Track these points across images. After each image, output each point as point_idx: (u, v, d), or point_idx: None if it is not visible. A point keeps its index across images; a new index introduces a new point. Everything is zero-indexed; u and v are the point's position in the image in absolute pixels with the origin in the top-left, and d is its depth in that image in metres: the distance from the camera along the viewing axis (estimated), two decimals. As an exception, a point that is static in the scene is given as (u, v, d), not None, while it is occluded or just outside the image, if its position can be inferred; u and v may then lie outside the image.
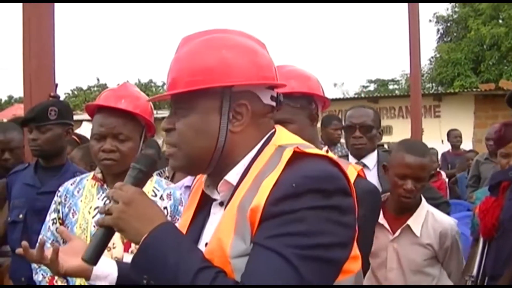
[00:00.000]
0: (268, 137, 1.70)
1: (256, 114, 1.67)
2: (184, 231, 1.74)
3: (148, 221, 1.58)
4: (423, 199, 3.37)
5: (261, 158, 1.64)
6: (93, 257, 1.70)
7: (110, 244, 2.74)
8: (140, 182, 1.73)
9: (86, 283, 2.77)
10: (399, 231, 3.27)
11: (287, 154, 1.55)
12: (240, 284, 1.45)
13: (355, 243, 1.64)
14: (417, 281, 3.25)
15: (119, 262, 2.03)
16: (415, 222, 3.27)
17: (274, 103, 1.73)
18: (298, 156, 1.56)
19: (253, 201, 1.51)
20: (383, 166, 3.49)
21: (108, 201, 1.66)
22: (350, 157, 4.09)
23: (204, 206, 1.79)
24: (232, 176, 1.66)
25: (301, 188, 1.49)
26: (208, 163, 1.67)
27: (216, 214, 1.70)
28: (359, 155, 4.06)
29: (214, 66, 1.63)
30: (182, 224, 1.82)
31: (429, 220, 3.30)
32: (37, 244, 1.96)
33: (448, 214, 4.44)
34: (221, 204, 1.72)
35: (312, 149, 1.61)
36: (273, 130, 1.74)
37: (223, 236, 1.53)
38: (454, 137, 10.66)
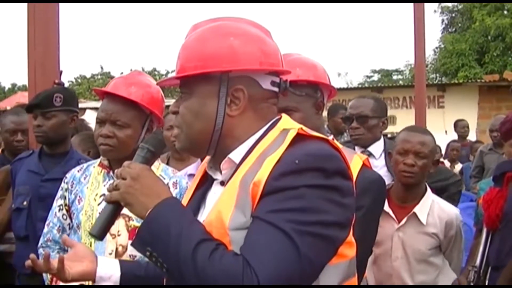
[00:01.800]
0: (273, 122, 1.75)
1: (254, 99, 1.73)
2: None
3: (154, 196, 1.63)
4: (428, 189, 3.38)
5: (265, 140, 1.69)
6: (101, 232, 1.76)
7: (115, 232, 2.78)
8: (148, 161, 1.79)
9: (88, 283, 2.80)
10: (405, 219, 3.27)
11: (291, 134, 1.63)
12: (239, 256, 1.49)
13: (351, 230, 1.69)
14: (422, 270, 3.26)
15: (121, 261, 2.10)
16: (421, 210, 3.27)
17: (276, 89, 1.78)
18: (301, 137, 1.64)
19: (255, 176, 1.57)
20: (389, 154, 3.51)
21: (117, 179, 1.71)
22: (356, 146, 4.08)
23: (203, 186, 1.87)
24: (236, 155, 1.72)
25: (304, 165, 1.55)
26: (208, 145, 1.74)
27: (216, 193, 1.74)
28: (360, 146, 4.05)
29: (217, 52, 1.70)
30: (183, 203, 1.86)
31: (434, 209, 3.31)
32: (43, 256, 2.01)
33: (460, 192, 4.43)
34: (222, 183, 1.77)
35: (315, 133, 1.69)
36: (279, 116, 1.79)
37: (223, 209, 1.59)
38: (461, 127, 10.61)
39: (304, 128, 1.69)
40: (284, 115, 1.81)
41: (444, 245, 3.29)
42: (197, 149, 1.80)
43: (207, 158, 1.89)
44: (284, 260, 1.47)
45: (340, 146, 1.76)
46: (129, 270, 2.12)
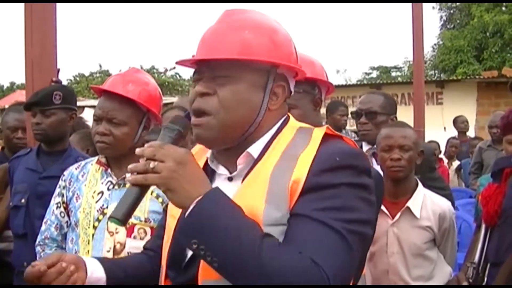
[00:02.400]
0: (284, 120, 1.79)
1: (286, 98, 1.79)
2: None
3: (200, 184, 1.54)
4: (420, 184, 3.40)
5: (282, 137, 1.71)
6: (125, 216, 1.60)
7: (113, 229, 2.77)
8: (176, 143, 1.67)
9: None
10: (398, 214, 3.30)
11: (319, 133, 1.67)
12: (301, 253, 1.47)
13: None
14: (418, 264, 3.28)
15: (103, 262, 1.92)
16: (414, 204, 3.31)
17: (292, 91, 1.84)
18: (329, 136, 1.68)
19: (293, 173, 1.56)
20: (374, 154, 3.56)
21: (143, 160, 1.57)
22: (364, 143, 4.07)
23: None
24: (255, 149, 1.71)
25: (344, 162, 1.59)
26: (240, 135, 1.71)
27: (224, 189, 1.61)
28: (367, 142, 4.04)
29: (267, 43, 1.71)
30: None
31: (427, 202, 3.35)
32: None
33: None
34: (230, 179, 1.74)
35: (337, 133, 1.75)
36: (287, 114, 1.83)
37: (254, 203, 1.56)
38: (461, 122, 10.58)
39: (330, 127, 1.72)
40: (290, 114, 1.85)
41: (438, 238, 3.33)
42: (226, 139, 1.71)
43: (199, 150, 1.86)
44: (344, 259, 1.50)
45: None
46: (113, 271, 1.92)
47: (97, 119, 2.88)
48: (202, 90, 1.68)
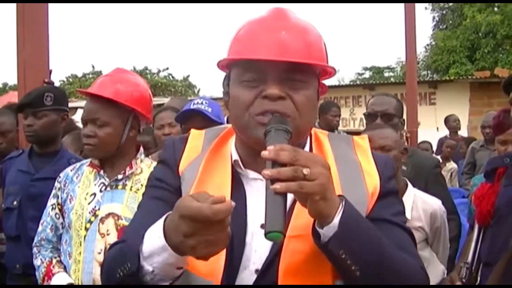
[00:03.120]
0: None
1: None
2: None
3: (334, 191, 1.45)
4: (409, 184, 3.39)
5: (318, 141, 1.76)
6: (284, 226, 1.35)
7: (104, 231, 2.77)
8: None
9: (81, 277, 2.79)
10: None
11: (361, 141, 1.79)
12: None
13: None
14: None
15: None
16: (404, 205, 3.29)
17: None
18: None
19: (365, 180, 1.66)
20: None
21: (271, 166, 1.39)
22: None
23: (236, 185, 1.66)
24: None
25: (394, 171, 1.80)
26: (303, 140, 1.71)
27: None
28: None
29: (322, 49, 1.69)
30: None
31: (418, 203, 3.34)
32: None
33: None
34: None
35: None
36: None
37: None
38: (453, 121, 10.59)
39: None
40: None
41: (430, 237, 3.33)
42: (295, 141, 1.55)
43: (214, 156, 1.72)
44: (416, 255, 1.66)
45: None
46: None
47: (84, 122, 2.91)
48: (278, 93, 1.55)
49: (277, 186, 1.35)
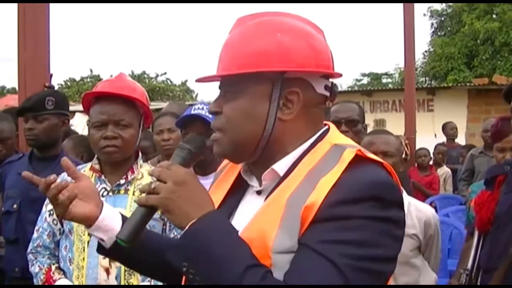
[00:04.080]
0: (322, 133, 1.64)
1: (307, 104, 1.60)
2: None
3: (198, 206, 1.49)
4: (404, 191, 3.40)
5: (315, 153, 1.57)
6: (131, 237, 1.57)
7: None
8: (188, 163, 1.64)
9: (85, 283, 2.78)
10: None
11: (348, 155, 1.50)
12: (287, 285, 1.40)
13: None
14: (404, 273, 3.26)
15: (124, 218, 1.82)
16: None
17: (328, 93, 1.66)
18: (359, 159, 1.51)
19: (308, 198, 1.44)
20: None
21: (154, 180, 1.55)
22: None
23: (237, 190, 1.73)
24: (281, 166, 1.59)
25: (363, 194, 1.44)
26: (253, 150, 1.60)
27: (252, 203, 1.63)
28: None
29: (267, 50, 1.56)
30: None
31: (412, 210, 3.34)
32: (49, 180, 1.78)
33: None
34: (259, 192, 1.65)
35: (373, 155, 1.56)
36: (327, 126, 1.68)
37: (266, 228, 1.46)
38: (450, 129, 10.61)
39: (362, 149, 1.56)
40: (331, 125, 1.69)
41: (423, 245, 3.33)
42: (238, 154, 1.64)
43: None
44: None
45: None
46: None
47: (101, 125, 2.85)
48: (212, 110, 1.64)
49: (136, 198, 1.54)
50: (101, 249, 1.85)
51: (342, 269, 1.37)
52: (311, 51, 1.59)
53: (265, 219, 1.49)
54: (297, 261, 1.41)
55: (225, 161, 1.84)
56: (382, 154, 3.30)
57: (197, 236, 1.45)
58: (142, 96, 2.96)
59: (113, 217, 1.78)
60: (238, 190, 1.72)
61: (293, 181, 1.52)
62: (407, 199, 3.39)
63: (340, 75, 1.71)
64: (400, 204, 1.53)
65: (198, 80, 1.70)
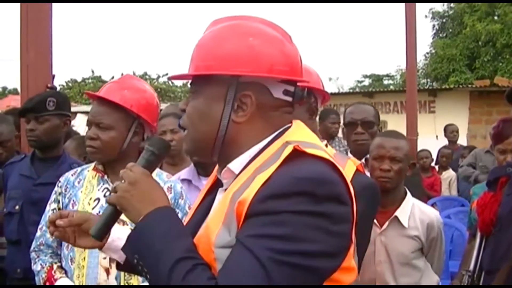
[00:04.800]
0: (280, 132, 1.66)
1: (263, 107, 1.64)
2: (191, 213, 1.83)
3: (150, 203, 1.60)
4: (408, 193, 3.40)
5: (267, 151, 1.60)
6: (99, 232, 1.75)
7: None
8: (151, 164, 1.75)
9: (85, 282, 2.78)
10: (386, 223, 3.29)
11: (287, 151, 1.52)
12: (212, 279, 1.45)
13: (350, 255, 1.58)
14: (405, 273, 3.27)
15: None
16: (402, 213, 3.30)
17: (289, 98, 1.68)
18: (297, 154, 1.52)
19: (242, 194, 1.49)
20: (365, 160, 3.54)
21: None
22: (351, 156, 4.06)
23: (213, 190, 1.82)
24: (236, 165, 1.65)
25: (290, 189, 1.45)
26: (211, 150, 1.68)
27: (218, 200, 1.70)
28: (362, 152, 4.00)
29: (225, 54, 1.62)
30: (193, 207, 1.87)
31: (415, 212, 3.34)
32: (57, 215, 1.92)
33: None
34: (225, 190, 1.70)
35: (314, 150, 1.55)
36: (289, 125, 1.70)
37: (211, 224, 1.54)
38: (450, 132, 10.63)
39: (308, 142, 1.59)
40: (297, 123, 1.72)
41: (426, 247, 3.32)
42: (199, 152, 1.77)
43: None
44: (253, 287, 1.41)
45: (334, 151, 1.72)
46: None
47: (89, 125, 2.92)
48: (181, 107, 1.75)
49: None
50: (119, 266, 2.00)
51: (264, 262, 1.40)
52: (267, 57, 1.63)
53: (213, 216, 1.59)
54: (229, 255, 1.47)
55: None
56: (390, 159, 3.29)
57: (143, 231, 1.56)
58: (140, 104, 2.90)
59: (122, 237, 1.82)
60: (214, 189, 1.81)
61: (242, 178, 1.58)
62: (412, 201, 3.38)
63: (305, 81, 1.75)
64: (338, 199, 1.51)
65: (170, 78, 1.84)
